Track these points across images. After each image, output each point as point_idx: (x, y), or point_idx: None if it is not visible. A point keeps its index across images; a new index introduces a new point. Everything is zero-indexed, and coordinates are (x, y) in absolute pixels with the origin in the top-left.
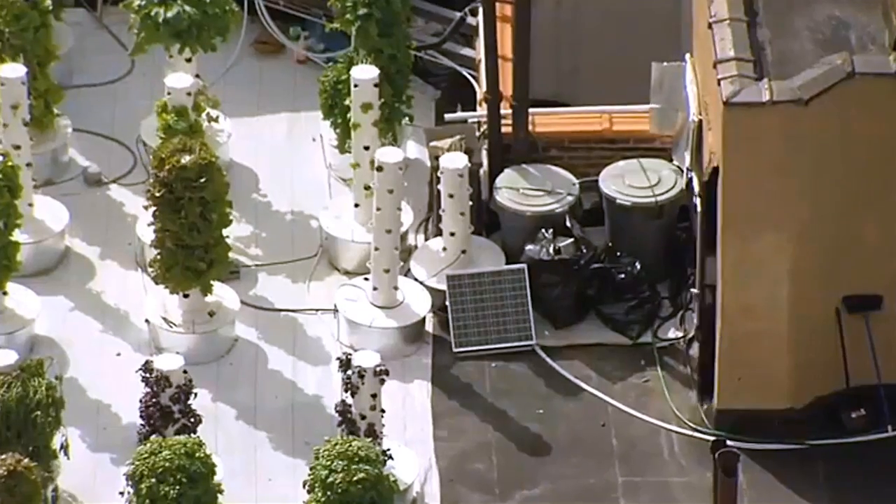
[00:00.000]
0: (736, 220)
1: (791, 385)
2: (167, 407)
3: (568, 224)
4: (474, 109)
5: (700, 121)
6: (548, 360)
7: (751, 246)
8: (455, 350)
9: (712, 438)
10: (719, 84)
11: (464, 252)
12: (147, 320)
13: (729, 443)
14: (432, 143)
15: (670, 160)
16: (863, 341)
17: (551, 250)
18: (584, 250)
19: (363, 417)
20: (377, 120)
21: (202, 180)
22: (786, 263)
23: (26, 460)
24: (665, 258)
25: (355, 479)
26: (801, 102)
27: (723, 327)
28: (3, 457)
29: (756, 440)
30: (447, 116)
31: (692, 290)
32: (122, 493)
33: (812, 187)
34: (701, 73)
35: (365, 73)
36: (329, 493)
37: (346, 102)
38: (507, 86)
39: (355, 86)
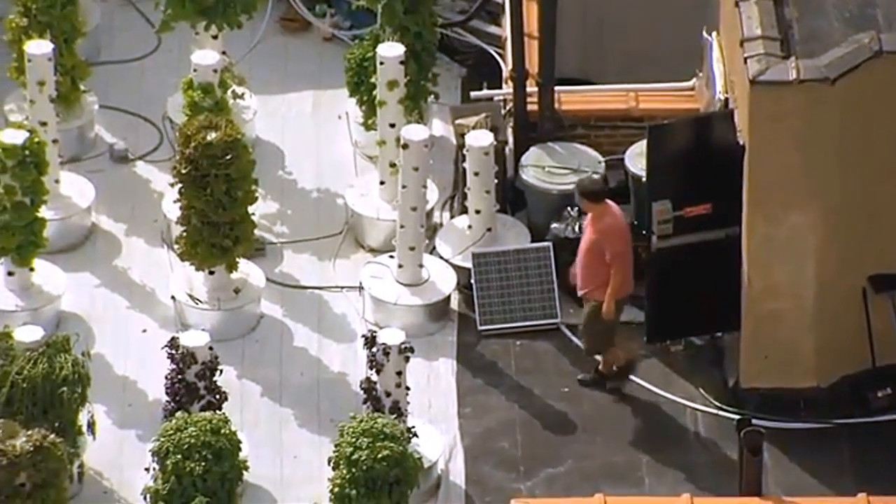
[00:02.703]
0: (761, 199)
1: (817, 364)
2: (193, 383)
3: None
4: (500, 87)
5: (726, 99)
6: (573, 338)
7: (776, 225)
8: (480, 328)
9: (737, 417)
10: (746, 62)
11: (489, 230)
12: (173, 297)
13: (754, 422)
14: (458, 121)
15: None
16: (889, 321)
17: (577, 228)
18: None
19: (388, 395)
20: (403, 97)
21: (228, 157)
22: (812, 242)
23: (52, 436)
24: None
25: (380, 456)
26: (827, 81)
27: (748, 306)
28: (30, 432)
29: (781, 419)
30: (473, 94)
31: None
32: (147, 469)
33: (838, 166)
34: (727, 52)
35: (391, 50)
36: (354, 469)
37: (372, 80)
38: (533, 63)
39: (381, 63)
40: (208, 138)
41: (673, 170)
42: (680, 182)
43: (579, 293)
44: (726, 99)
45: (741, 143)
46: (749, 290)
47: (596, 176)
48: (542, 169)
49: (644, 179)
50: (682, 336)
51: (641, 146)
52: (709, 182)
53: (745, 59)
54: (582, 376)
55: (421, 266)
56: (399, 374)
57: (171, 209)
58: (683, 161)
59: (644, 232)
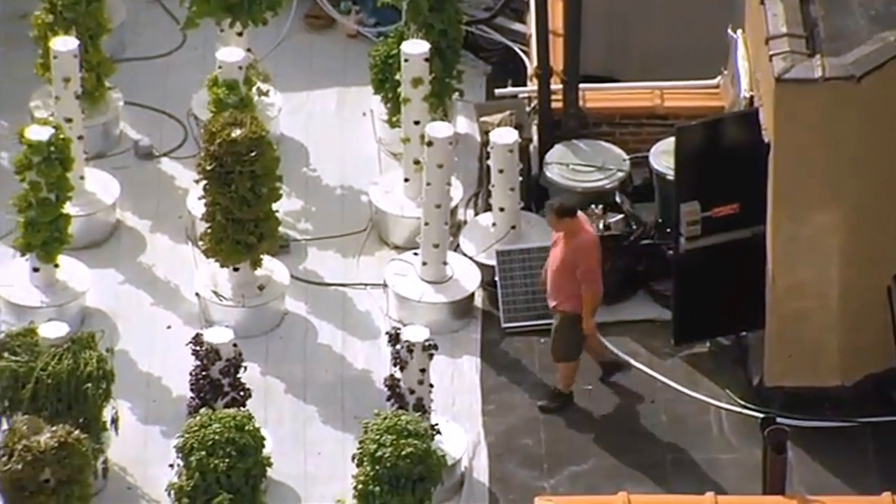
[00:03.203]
0: (786, 198)
1: (841, 363)
2: (217, 380)
3: (618, 200)
4: (525, 85)
5: (751, 97)
6: (597, 335)
7: (801, 223)
8: (504, 325)
9: (762, 415)
10: (771, 60)
11: (513, 227)
12: (197, 294)
13: (778, 420)
14: (482, 119)
15: None
16: None
17: (601, 226)
18: (634, 226)
19: (412, 392)
20: (427, 95)
21: (252, 154)
22: (836, 241)
23: (77, 432)
24: None
25: (404, 453)
26: (853, 79)
27: (773, 305)
28: (54, 429)
29: (806, 418)
30: (497, 92)
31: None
32: (171, 466)
33: (864, 165)
34: (753, 49)
35: (416, 47)
36: (377, 466)
37: (397, 77)
38: (557, 61)
39: (406, 60)
40: (233, 135)
41: (701, 170)
42: (708, 182)
43: (549, 304)
44: (751, 97)
45: (766, 141)
46: (773, 288)
47: (620, 173)
48: (567, 166)
49: (668, 177)
50: (709, 337)
51: (666, 144)
52: (736, 181)
53: (771, 56)
54: (542, 403)
55: (445, 263)
56: (423, 371)
57: (196, 206)
58: (711, 161)
59: (669, 230)
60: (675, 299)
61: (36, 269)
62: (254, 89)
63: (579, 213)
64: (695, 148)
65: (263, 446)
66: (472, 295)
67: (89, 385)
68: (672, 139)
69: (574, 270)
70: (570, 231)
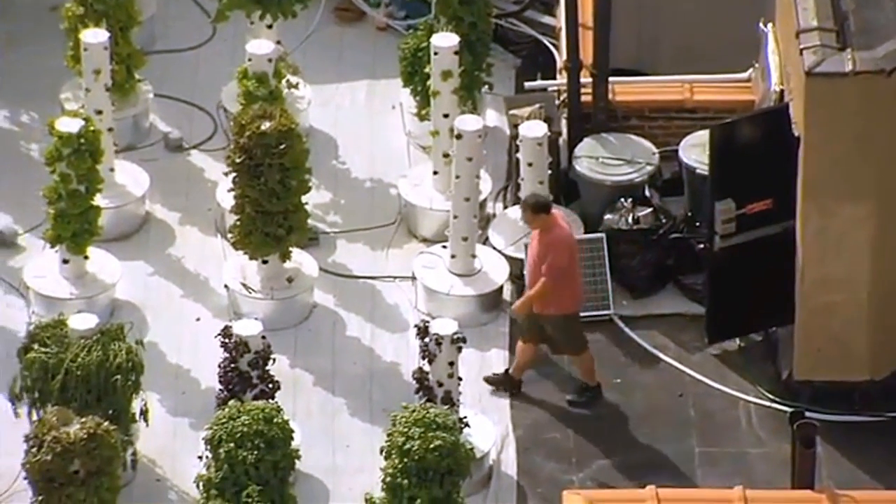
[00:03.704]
0: (816, 191)
1: (870, 357)
2: (246, 372)
3: (647, 193)
4: (554, 78)
5: (781, 91)
6: (625, 329)
7: (831, 217)
8: None
9: (791, 410)
10: (801, 54)
11: None
12: (226, 286)
13: (807, 414)
14: (512, 112)
15: None
16: None
17: (630, 220)
18: (664, 220)
19: (440, 385)
20: (457, 88)
21: (282, 147)
22: (867, 235)
23: (106, 424)
24: None
25: (432, 446)
26: (883, 73)
27: (802, 299)
28: (84, 420)
29: (835, 412)
30: (527, 85)
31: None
32: (200, 458)
33: (893, 159)
34: (783, 43)
35: (445, 40)
36: (406, 459)
37: (426, 70)
38: (587, 54)
39: (435, 53)
40: (262, 128)
41: (736, 168)
42: (742, 179)
43: (534, 309)
44: (781, 90)
45: (796, 135)
46: (803, 283)
47: (649, 167)
48: (596, 160)
49: (697, 171)
50: (742, 334)
51: (696, 137)
52: (769, 177)
53: (801, 50)
54: (571, 397)
55: (474, 256)
56: (451, 364)
57: (225, 198)
58: (745, 158)
59: (698, 224)
60: (708, 298)
61: (66, 261)
62: (283, 82)
63: (555, 209)
64: (729, 145)
65: (292, 439)
66: (501, 288)
67: (118, 377)
68: (702, 133)
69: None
70: (545, 227)
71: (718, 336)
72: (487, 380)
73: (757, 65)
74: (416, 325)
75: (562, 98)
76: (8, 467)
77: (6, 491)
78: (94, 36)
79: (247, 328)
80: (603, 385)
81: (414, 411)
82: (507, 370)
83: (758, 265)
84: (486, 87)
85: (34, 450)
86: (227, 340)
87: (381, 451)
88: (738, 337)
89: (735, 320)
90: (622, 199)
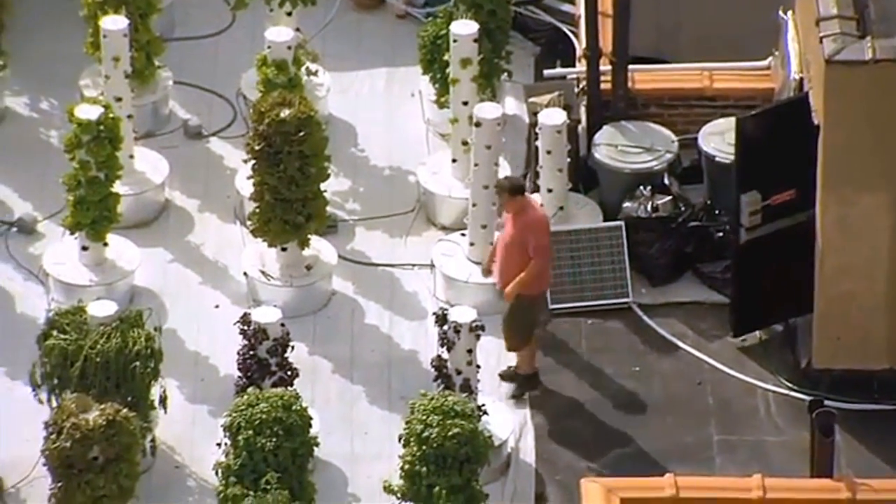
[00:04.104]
0: (836, 180)
1: (889, 345)
2: (264, 359)
3: (666, 181)
4: (573, 65)
5: (801, 78)
6: (644, 317)
7: (850, 205)
8: (551, 306)
9: (809, 398)
10: (821, 42)
11: (561, 209)
12: (245, 273)
13: (826, 403)
14: (531, 99)
15: None
16: None
17: (649, 208)
18: (683, 208)
19: (459, 372)
20: (476, 75)
21: (301, 134)
22: (885, 223)
23: (125, 410)
24: None
25: (450, 433)
26: None
27: (821, 288)
28: (103, 407)
29: (854, 400)
30: (546, 72)
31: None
32: (219, 445)
33: None
34: (803, 31)
35: (464, 28)
36: (424, 447)
37: (446, 57)
38: (606, 42)
39: (455, 41)
40: (282, 115)
41: (761, 159)
42: (767, 170)
43: (498, 287)
44: (801, 78)
45: (816, 123)
46: (821, 271)
47: (669, 155)
48: (615, 148)
49: (716, 159)
50: (767, 325)
51: (715, 125)
52: (793, 167)
53: (821, 38)
54: (512, 393)
55: (492, 244)
56: (470, 351)
57: (244, 185)
58: (770, 149)
59: (719, 214)
60: (734, 291)
61: (85, 248)
62: (303, 69)
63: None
64: (755, 137)
65: (310, 426)
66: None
67: (137, 363)
68: (721, 121)
69: (524, 249)
70: (520, 209)
71: (744, 329)
72: (512, 389)
73: (777, 53)
74: (434, 313)
75: (581, 86)
76: (27, 454)
77: (25, 477)
78: (114, 23)
79: (266, 315)
80: (622, 373)
81: (432, 399)
82: (517, 373)
83: (782, 255)
84: (506, 74)
85: (53, 436)
86: (245, 328)
87: (400, 439)
88: (763, 328)
89: (760, 311)
90: (641, 187)
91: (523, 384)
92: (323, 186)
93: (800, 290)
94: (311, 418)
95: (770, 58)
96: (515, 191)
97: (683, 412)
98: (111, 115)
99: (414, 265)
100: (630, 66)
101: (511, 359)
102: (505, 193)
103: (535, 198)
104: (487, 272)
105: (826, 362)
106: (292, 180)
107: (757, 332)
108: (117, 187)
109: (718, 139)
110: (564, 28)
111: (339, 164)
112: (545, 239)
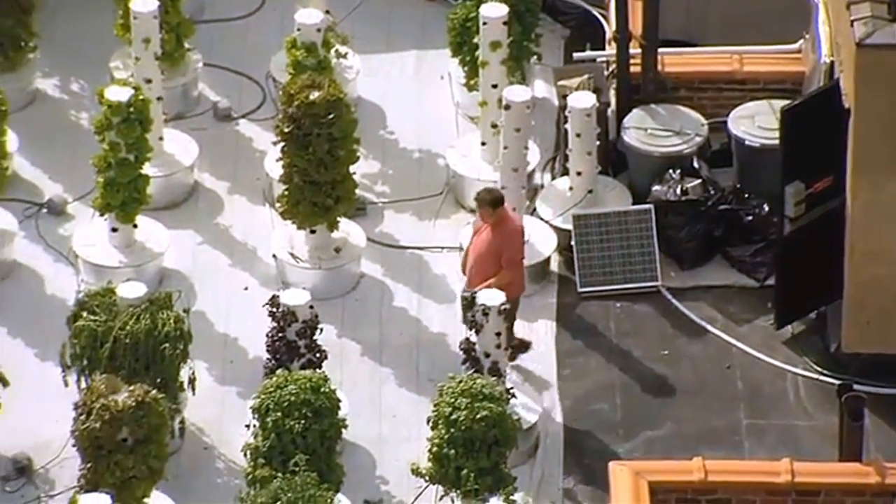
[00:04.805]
0: (866, 164)
1: None
2: (293, 342)
3: (696, 165)
4: (603, 49)
5: (831, 62)
6: (673, 301)
7: (881, 190)
8: (580, 290)
9: (838, 382)
10: (852, 25)
11: (590, 192)
12: (274, 255)
13: (855, 387)
14: (560, 83)
15: None
16: None
17: (678, 191)
18: (712, 191)
19: (487, 355)
20: (505, 58)
21: (330, 116)
22: None
23: (154, 392)
24: None
25: (478, 416)
26: None
27: (851, 272)
28: (132, 388)
29: (883, 384)
30: (576, 55)
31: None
32: (248, 426)
33: None
34: (833, 14)
35: (494, 11)
36: (452, 429)
37: (475, 40)
38: (636, 25)
39: (484, 24)
40: (311, 97)
41: (803, 148)
42: (809, 159)
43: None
44: (831, 62)
45: (846, 107)
46: (851, 255)
47: (698, 138)
48: (645, 131)
49: (746, 142)
50: (806, 313)
51: (745, 109)
52: (831, 153)
53: (852, 21)
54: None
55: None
56: (498, 334)
57: (274, 168)
58: (812, 137)
59: (747, 195)
60: (778, 283)
61: (114, 230)
62: (332, 51)
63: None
64: (798, 126)
65: (339, 408)
66: (549, 259)
67: (166, 345)
68: (751, 104)
69: (498, 259)
70: (500, 220)
71: (787, 320)
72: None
73: (807, 36)
74: (463, 296)
75: (611, 69)
76: (57, 435)
77: (55, 458)
78: (144, 5)
79: (294, 298)
80: (651, 357)
81: (461, 382)
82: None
83: (821, 241)
84: (535, 57)
85: (83, 417)
86: (274, 310)
87: (428, 422)
88: (802, 317)
89: (801, 300)
90: (670, 171)
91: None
92: (352, 169)
93: (837, 275)
94: (339, 401)
95: (800, 41)
96: (496, 203)
97: (712, 396)
98: (141, 97)
99: (443, 248)
100: (660, 49)
101: (535, 344)
102: (487, 206)
103: (564, 181)
104: (465, 273)
105: (855, 347)
106: (321, 163)
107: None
108: (147, 169)
109: (748, 122)
110: (594, 11)
111: (368, 147)
112: (519, 253)
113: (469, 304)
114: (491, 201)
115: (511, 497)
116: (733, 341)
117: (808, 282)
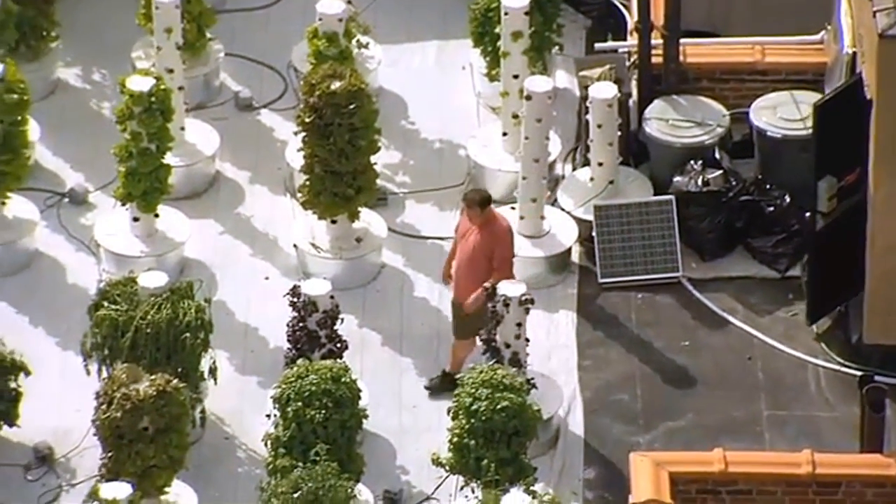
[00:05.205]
0: (887, 155)
1: None
2: (314, 331)
3: (717, 156)
4: (625, 39)
5: (854, 53)
6: (694, 292)
7: None
8: (601, 280)
9: (860, 374)
10: (875, 16)
11: (611, 182)
12: (295, 245)
13: (877, 378)
14: (582, 73)
15: (822, 93)
16: None
17: (700, 182)
18: (733, 182)
19: (508, 346)
20: (527, 48)
21: (351, 106)
22: None
23: (175, 381)
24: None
25: (499, 407)
26: None
27: (872, 263)
28: (153, 377)
29: None
30: (597, 46)
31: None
32: (268, 416)
33: None
34: (856, 5)
35: (516, 1)
36: (473, 420)
37: (497, 30)
38: (658, 15)
39: (506, 14)
40: (332, 87)
41: (834, 142)
42: (840, 152)
43: (459, 298)
44: (854, 53)
45: (868, 98)
46: (873, 247)
47: (720, 129)
48: (666, 122)
49: (768, 133)
50: (836, 307)
51: (767, 99)
52: (859, 145)
53: (874, 12)
54: (428, 383)
55: (542, 218)
56: (519, 325)
57: (295, 158)
58: (842, 130)
59: (769, 187)
60: (812, 280)
61: (136, 219)
62: (353, 42)
63: None
64: (830, 122)
65: (359, 398)
66: (570, 250)
67: (188, 335)
68: (772, 95)
69: (490, 259)
70: (488, 220)
71: (819, 315)
72: (429, 388)
73: (829, 27)
74: (483, 287)
75: (632, 59)
76: (78, 424)
77: (76, 447)
78: None
79: (315, 288)
80: (671, 347)
81: (481, 372)
82: (444, 371)
83: (851, 234)
84: (557, 47)
85: (104, 406)
86: (295, 300)
87: (448, 412)
88: (832, 310)
89: (832, 294)
90: (692, 162)
91: (443, 382)
92: (373, 159)
93: (864, 267)
94: (360, 390)
95: (823, 32)
96: (485, 203)
97: (733, 387)
98: (163, 87)
99: None
100: (682, 40)
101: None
102: (476, 206)
103: (585, 172)
104: (447, 279)
105: (876, 338)
106: (342, 153)
107: (806, 306)
108: (168, 159)
109: (770, 113)
110: (616, 1)
111: (389, 137)
112: (510, 251)
113: (490, 295)
114: (480, 201)
115: (531, 487)
116: (754, 332)
117: (839, 275)
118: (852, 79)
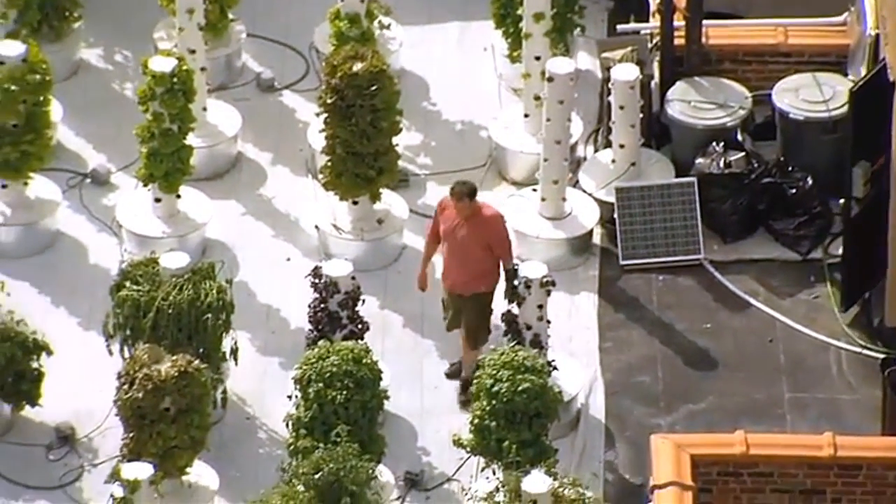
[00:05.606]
0: None
1: None
2: (335, 313)
3: (739, 138)
4: (647, 21)
5: (877, 35)
6: (716, 274)
7: None
8: (622, 263)
9: (882, 356)
10: None
11: (633, 164)
12: (316, 226)
13: None
14: (604, 55)
15: (845, 75)
16: None
17: (722, 164)
18: (756, 164)
19: (529, 328)
20: (549, 30)
21: (373, 88)
22: None
23: (197, 362)
24: (838, 173)
25: (520, 388)
26: None
27: (894, 246)
28: (175, 358)
29: None
30: (619, 28)
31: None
32: (289, 397)
33: None
34: None
35: None
36: (494, 402)
37: (519, 12)
38: None
39: None
40: (354, 69)
41: (870, 126)
42: (872, 137)
43: (456, 291)
44: (877, 35)
45: (891, 80)
46: (894, 230)
47: (742, 111)
48: (688, 104)
49: (790, 115)
50: (867, 291)
51: (789, 81)
52: (889, 127)
53: None
54: (449, 370)
55: (564, 200)
56: (540, 307)
57: (316, 139)
58: (876, 114)
59: (791, 169)
60: (847, 266)
61: (158, 200)
62: (375, 23)
63: None
64: (865, 106)
65: (380, 379)
66: (591, 231)
67: (209, 315)
68: (795, 77)
69: (485, 247)
70: (475, 211)
71: (853, 301)
72: (449, 375)
73: (852, 8)
74: (505, 268)
75: (655, 41)
76: (100, 404)
77: (98, 427)
78: None
79: (337, 269)
80: (693, 330)
81: (503, 354)
82: (464, 378)
83: (881, 218)
84: (579, 29)
85: (125, 387)
86: (317, 281)
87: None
88: (863, 295)
89: (864, 278)
90: (714, 144)
91: (468, 389)
92: (395, 140)
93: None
94: (381, 372)
95: (846, 13)
96: (474, 193)
97: (755, 369)
98: (185, 68)
99: None
100: (704, 22)
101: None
102: (465, 198)
103: (607, 154)
104: (423, 286)
105: None
106: (364, 134)
107: (829, 289)
108: (190, 140)
109: (792, 95)
110: None
111: (410, 119)
112: (506, 233)
113: (511, 276)
114: (469, 192)
115: (552, 469)
116: (776, 314)
117: (870, 260)
118: (883, 62)
